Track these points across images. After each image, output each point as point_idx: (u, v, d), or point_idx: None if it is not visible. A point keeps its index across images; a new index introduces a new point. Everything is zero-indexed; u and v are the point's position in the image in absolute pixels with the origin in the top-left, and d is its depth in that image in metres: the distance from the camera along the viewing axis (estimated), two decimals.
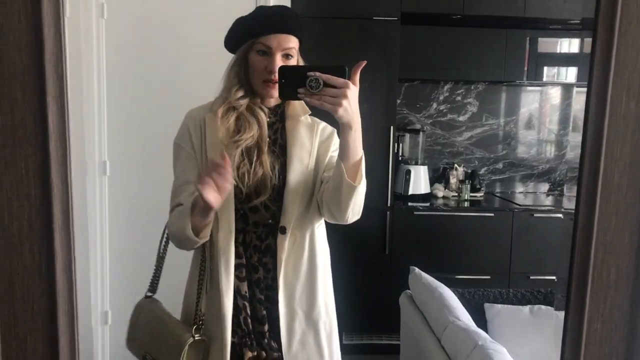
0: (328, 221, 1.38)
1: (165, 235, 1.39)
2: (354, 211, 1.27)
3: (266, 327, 1.34)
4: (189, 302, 1.36)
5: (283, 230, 1.31)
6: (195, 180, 1.18)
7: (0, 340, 0.69)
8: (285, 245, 1.31)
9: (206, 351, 1.30)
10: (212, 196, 1.10)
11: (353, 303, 2.88)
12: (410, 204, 3.13)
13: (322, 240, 1.41)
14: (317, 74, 1.12)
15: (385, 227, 3.05)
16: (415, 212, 3.07)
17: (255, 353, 1.32)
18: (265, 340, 1.34)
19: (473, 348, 1.59)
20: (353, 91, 1.11)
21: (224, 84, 1.35)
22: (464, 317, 1.87)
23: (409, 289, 2.26)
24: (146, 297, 1.40)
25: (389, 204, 3.04)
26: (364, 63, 1.13)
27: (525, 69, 3.24)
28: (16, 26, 0.63)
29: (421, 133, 3.34)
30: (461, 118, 3.46)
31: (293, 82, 1.14)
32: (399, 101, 3.38)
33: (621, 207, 0.68)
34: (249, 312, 1.33)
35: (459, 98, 3.45)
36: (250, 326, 1.34)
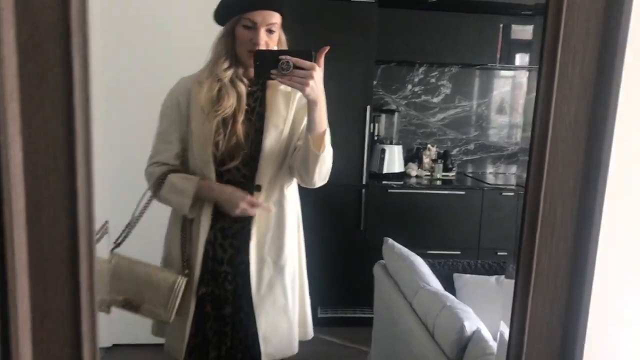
0: (300, 184, 1.58)
1: (146, 200, 1.53)
2: (321, 176, 1.48)
3: (224, 268, 1.54)
4: (170, 251, 1.56)
5: (258, 189, 1.51)
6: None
7: (28, 261, 0.79)
8: (264, 201, 1.52)
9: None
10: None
11: (329, 277, 3.02)
12: (384, 182, 3.27)
13: (292, 198, 1.61)
14: (288, 57, 1.32)
15: (361, 204, 3.18)
16: (390, 190, 3.21)
17: (210, 290, 1.54)
18: (221, 281, 1.54)
19: (442, 308, 1.74)
20: (318, 72, 1.33)
21: (212, 54, 1.50)
22: (434, 283, 2.02)
23: (383, 260, 2.40)
24: (111, 251, 1.52)
25: (364, 182, 3.17)
26: (328, 48, 1.36)
27: (498, 54, 3.39)
28: None
29: (396, 114, 3.47)
30: (435, 100, 3.61)
31: (267, 65, 1.33)
32: (375, 82, 3.50)
33: (567, 157, 0.82)
34: (210, 254, 1.54)
35: (433, 80, 3.60)
36: (210, 266, 1.54)
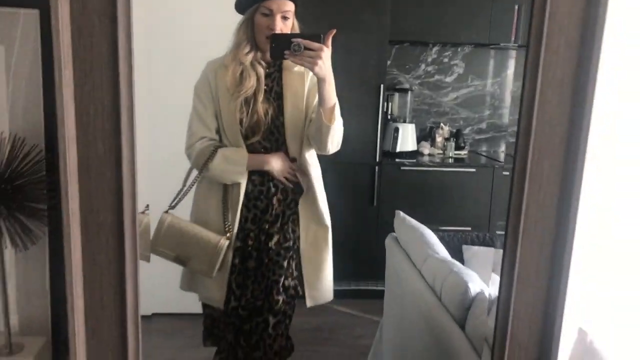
0: (317, 152, 1.79)
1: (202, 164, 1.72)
2: (333, 144, 1.69)
3: (248, 226, 1.78)
4: (212, 216, 1.76)
5: (294, 160, 1.75)
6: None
7: (79, 213, 0.92)
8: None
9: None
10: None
11: (343, 252, 3.12)
12: (397, 160, 3.37)
13: (315, 163, 1.83)
14: (299, 40, 1.51)
15: (374, 182, 3.29)
16: (402, 168, 3.32)
17: (244, 245, 1.78)
18: (245, 236, 1.78)
19: (449, 273, 1.85)
20: (326, 53, 1.52)
21: (234, 40, 1.71)
22: (443, 252, 2.13)
23: (394, 232, 2.51)
24: (166, 212, 1.73)
25: (377, 160, 3.28)
26: (334, 31, 1.53)
27: (513, 34, 3.45)
28: None
29: (409, 93, 3.56)
30: (448, 79, 3.69)
31: (281, 46, 1.53)
32: (389, 62, 3.58)
33: (553, 118, 0.92)
34: (244, 215, 1.76)
35: (446, 60, 3.67)
36: (245, 226, 1.77)
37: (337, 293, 3.27)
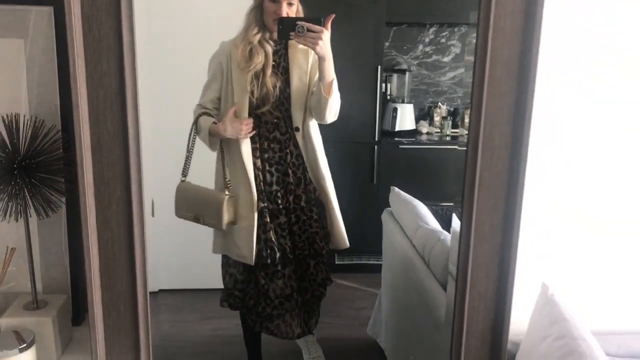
0: (316, 120, 2.04)
1: (193, 131, 1.98)
2: (331, 114, 1.94)
3: (274, 188, 2.04)
4: (218, 176, 2.02)
5: (297, 129, 2.00)
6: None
7: (93, 183, 1.07)
8: (300, 138, 2.01)
9: (236, 205, 1.99)
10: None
11: (345, 228, 3.29)
12: (396, 139, 3.50)
13: (316, 131, 2.07)
14: (303, 23, 1.75)
15: (374, 160, 3.43)
16: (401, 146, 3.45)
17: (265, 204, 2.02)
18: (273, 197, 2.04)
19: (436, 241, 2.00)
20: (326, 34, 1.77)
21: (244, 23, 1.95)
22: (432, 222, 2.27)
23: (390, 207, 2.66)
24: (182, 181, 2.01)
25: (376, 139, 3.41)
26: (333, 16, 1.77)
27: None
28: None
29: (407, 73, 3.68)
30: (445, 59, 3.79)
31: (287, 28, 1.76)
32: (387, 44, 3.70)
33: (501, 92, 1.06)
34: (261, 178, 2.02)
35: (443, 40, 3.77)
36: (262, 187, 2.02)
37: (339, 267, 3.44)
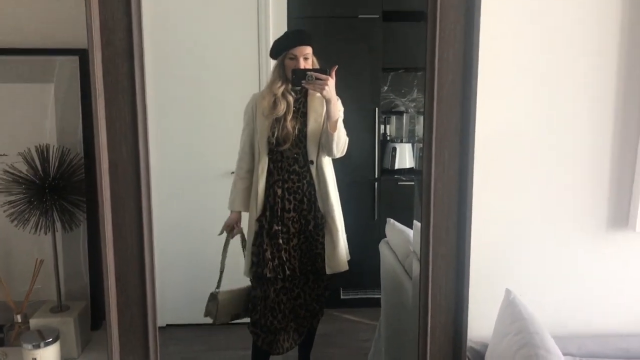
0: (327, 155, 2.42)
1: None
2: (338, 149, 2.35)
3: (291, 214, 2.42)
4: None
5: (312, 162, 2.38)
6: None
7: (110, 200, 1.31)
8: (314, 170, 2.39)
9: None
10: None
11: (350, 263, 3.48)
12: (396, 176, 3.72)
13: (329, 165, 2.47)
14: (312, 72, 2.21)
15: (374, 196, 3.64)
16: (400, 183, 3.66)
17: (279, 227, 2.40)
18: (290, 222, 2.42)
19: None
20: (331, 81, 2.21)
21: (271, 77, 2.39)
22: None
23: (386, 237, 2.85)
24: (216, 292, 2.52)
25: (376, 176, 3.63)
26: (336, 67, 2.23)
27: None
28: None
29: (405, 115, 3.93)
30: None
31: (299, 77, 2.22)
32: (386, 88, 3.97)
33: (450, 93, 1.28)
34: (280, 205, 2.40)
35: None
36: (279, 213, 2.40)
37: (344, 302, 3.59)
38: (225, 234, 2.52)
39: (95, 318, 1.72)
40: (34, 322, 1.60)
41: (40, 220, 1.60)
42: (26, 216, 1.61)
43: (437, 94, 1.25)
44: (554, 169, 1.56)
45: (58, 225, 1.62)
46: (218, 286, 2.51)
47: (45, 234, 1.61)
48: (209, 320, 2.59)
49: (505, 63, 1.46)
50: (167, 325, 3.21)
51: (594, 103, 1.53)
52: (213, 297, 2.52)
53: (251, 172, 2.42)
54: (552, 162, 1.55)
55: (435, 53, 1.25)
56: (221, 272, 2.50)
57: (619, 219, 1.62)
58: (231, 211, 2.47)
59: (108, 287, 1.31)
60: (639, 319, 1.70)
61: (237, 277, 2.54)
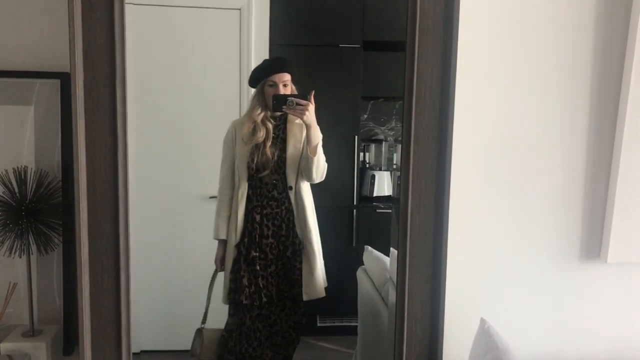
0: (306, 180, 2.45)
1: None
2: (317, 174, 2.38)
3: (270, 240, 2.44)
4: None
5: (290, 188, 2.41)
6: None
7: (87, 222, 1.30)
8: (292, 195, 2.42)
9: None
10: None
11: (328, 290, 3.47)
12: (374, 203, 3.75)
13: (308, 191, 2.49)
14: (292, 98, 2.26)
15: (353, 223, 3.66)
16: (378, 210, 3.69)
17: (257, 254, 2.41)
18: (268, 248, 2.43)
19: None
20: (311, 107, 2.27)
21: (250, 104, 2.43)
22: None
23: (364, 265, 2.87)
24: (202, 328, 2.50)
25: (355, 203, 3.66)
26: (313, 92, 2.28)
27: None
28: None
29: (384, 143, 3.98)
30: None
31: (280, 103, 2.27)
32: (365, 116, 4.02)
33: (427, 112, 1.31)
34: (258, 231, 2.42)
35: None
36: (257, 239, 2.41)
37: (320, 330, 3.57)
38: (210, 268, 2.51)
39: (68, 342, 1.69)
40: (4, 347, 1.56)
41: (16, 243, 1.58)
42: (1, 239, 1.59)
43: (415, 124, 1.29)
44: (527, 201, 1.60)
45: (33, 248, 1.60)
46: (204, 321, 2.50)
47: (20, 257, 1.59)
48: (184, 346, 2.56)
49: (480, 100, 1.50)
50: (142, 351, 3.17)
51: (566, 136, 1.58)
52: (199, 332, 2.51)
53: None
54: (524, 193, 1.59)
55: (414, 86, 1.29)
56: (207, 307, 2.50)
57: (591, 250, 1.65)
58: (217, 241, 2.47)
59: (82, 308, 1.30)
60: (612, 348, 1.73)
61: (224, 312, 2.53)
